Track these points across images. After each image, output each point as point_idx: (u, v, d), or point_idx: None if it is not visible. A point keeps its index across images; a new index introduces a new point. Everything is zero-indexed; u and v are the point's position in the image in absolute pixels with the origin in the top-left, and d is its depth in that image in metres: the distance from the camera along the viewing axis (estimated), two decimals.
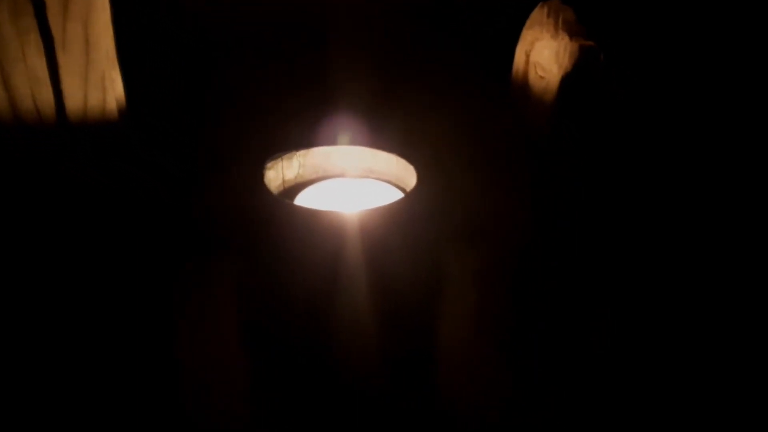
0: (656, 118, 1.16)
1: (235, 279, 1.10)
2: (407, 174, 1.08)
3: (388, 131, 1.14)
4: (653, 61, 1.14)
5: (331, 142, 1.14)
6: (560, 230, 1.14)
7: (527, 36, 1.21)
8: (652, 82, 1.13)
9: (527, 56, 1.22)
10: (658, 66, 1.14)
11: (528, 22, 1.23)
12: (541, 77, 1.19)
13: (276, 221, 1.01)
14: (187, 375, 1.07)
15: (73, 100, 1.11)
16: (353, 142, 1.14)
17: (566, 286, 1.06)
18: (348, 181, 1.14)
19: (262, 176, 1.03)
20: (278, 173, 1.10)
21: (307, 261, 1.00)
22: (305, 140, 1.14)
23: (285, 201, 1.04)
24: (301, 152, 1.12)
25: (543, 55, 1.17)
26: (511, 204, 1.12)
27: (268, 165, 1.07)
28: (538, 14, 1.20)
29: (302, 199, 1.09)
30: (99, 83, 1.09)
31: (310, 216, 1.01)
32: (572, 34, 1.13)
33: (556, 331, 1.00)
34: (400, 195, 1.08)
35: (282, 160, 1.10)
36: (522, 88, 1.24)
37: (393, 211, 1.01)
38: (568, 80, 1.14)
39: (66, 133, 1.12)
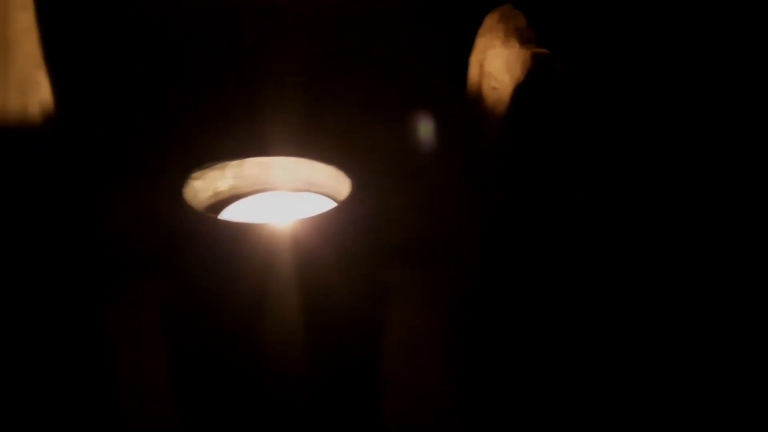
0: (643, 117, 1.10)
1: (159, 299, 1.04)
2: (345, 187, 1.02)
3: (329, 142, 1.08)
4: (629, 61, 1.08)
5: (273, 152, 1.08)
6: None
7: (480, 44, 1.15)
8: (632, 81, 1.07)
9: (481, 67, 1.16)
10: (636, 65, 1.08)
11: (480, 30, 1.16)
12: (494, 88, 1.12)
13: (198, 236, 0.94)
14: (114, 397, 1.01)
15: None
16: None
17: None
18: (285, 195, 1.08)
19: (182, 188, 0.97)
20: (209, 184, 1.04)
21: (235, 277, 0.93)
22: (245, 150, 1.08)
23: (205, 215, 0.98)
24: (235, 162, 1.06)
25: (495, 64, 1.11)
26: (457, 224, 1.06)
27: (195, 175, 1.01)
28: (490, 21, 1.14)
29: (232, 213, 1.03)
30: (20, 86, 1.04)
31: (234, 230, 0.95)
32: (523, 41, 1.07)
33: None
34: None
35: (213, 170, 1.04)
36: (477, 100, 1.18)
37: (323, 222, 0.95)
38: (520, 91, 1.08)
39: None
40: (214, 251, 0.93)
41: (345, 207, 0.97)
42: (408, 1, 1.35)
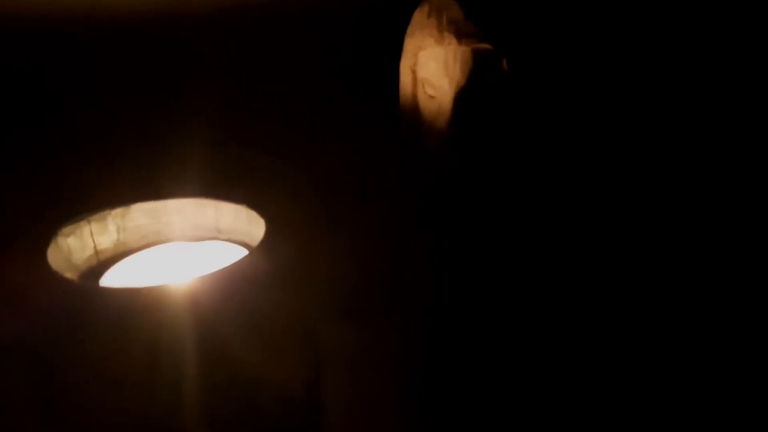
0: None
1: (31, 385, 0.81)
2: (259, 230, 0.82)
3: (236, 179, 0.88)
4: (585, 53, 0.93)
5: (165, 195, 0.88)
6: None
7: (409, 47, 0.97)
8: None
9: (413, 73, 0.98)
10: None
11: (409, 29, 0.98)
12: (431, 97, 0.94)
13: (70, 309, 0.73)
14: None
15: None
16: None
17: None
18: (186, 246, 0.87)
19: (45, 250, 0.76)
20: (85, 241, 0.83)
21: (122, 355, 0.72)
22: (127, 196, 0.87)
23: (72, 281, 0.76)
24: (118, 211, 0.85)
25: (430, 68, 0.93)
26: (401, 264, 0.87)
27: (64, 231, 0.80)
28: (419, 16, 0.95)
29: (114, 275, 0.82)
30: None
31: (117, 298, 0.74)
32: (461, 36, 0.89)
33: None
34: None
35: (89, 223, 0.83)
36: (413, 114, 1.00)
37: (235, 276, 0.74)
38: (462, 96, 0.90)
39: None
40: (96, 327, 0.72)
41: (259, 254, 0.77)
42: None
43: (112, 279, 0.81)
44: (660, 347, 0.90)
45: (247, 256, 0.76)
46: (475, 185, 0.94)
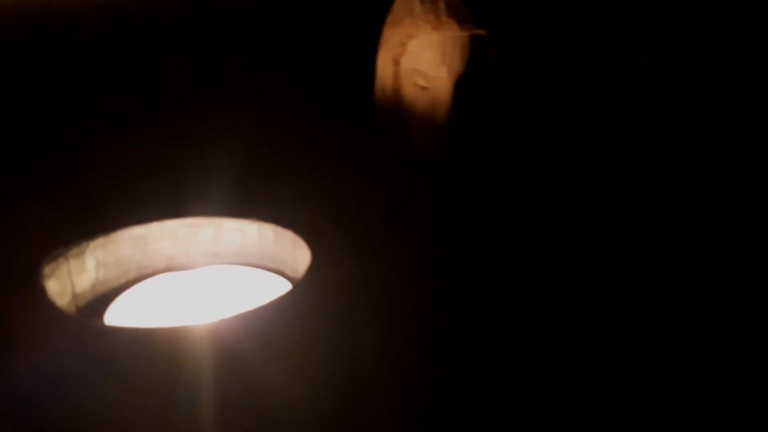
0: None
1: None
2: (287, 252, 0.70)
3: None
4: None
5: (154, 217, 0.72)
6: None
7: (393, 36, 0.89)
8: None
9: (396, 64, 0.90)
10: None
11: (390, 18, 0.90)
12: (424, 88, 0.87)
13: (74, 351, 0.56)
14: None
15: None
16: None
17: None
18: (189, 274, 0.72)
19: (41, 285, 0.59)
20: (65, 284, 0.65)
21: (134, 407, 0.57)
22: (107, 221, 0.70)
23: (76, 319, 0.61)
24: (98, 241, 0.68)
25: (424, 58, 0.85)
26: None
27: (46, 271, 0.63)
28: (403, 4, 0.88)
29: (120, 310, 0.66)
30: None
31: (128, 338, 0.60)
32: (461, 21, 0.84)
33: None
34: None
35: (67, 260, 0.66)
36: (394, 110, 0.91)
37: (277, 312, 0.62)
38: (462, 86, 0.84)
39: None
40: (106, 371, 0.57)
41: (306, 286, 0.64)
42: None
43: (117, 315, 0.65)
44: (659, 345, 0.89)
45: (293, 289, 0.64)
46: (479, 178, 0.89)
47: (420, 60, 0.89)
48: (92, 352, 0.56)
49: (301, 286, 0.63)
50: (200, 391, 0.61)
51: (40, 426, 0.60)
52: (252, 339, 0.60)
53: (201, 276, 0.72)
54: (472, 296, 0.89)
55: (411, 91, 0.91)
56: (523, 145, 0.93)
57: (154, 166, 0.85)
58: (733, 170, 1.02)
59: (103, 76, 1.03)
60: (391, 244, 0.84)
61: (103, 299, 0.70)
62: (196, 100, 0.98)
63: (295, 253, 0.69)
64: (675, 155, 1.03)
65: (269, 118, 1.00)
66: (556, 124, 0.95)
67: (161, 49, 1.05)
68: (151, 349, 0.59)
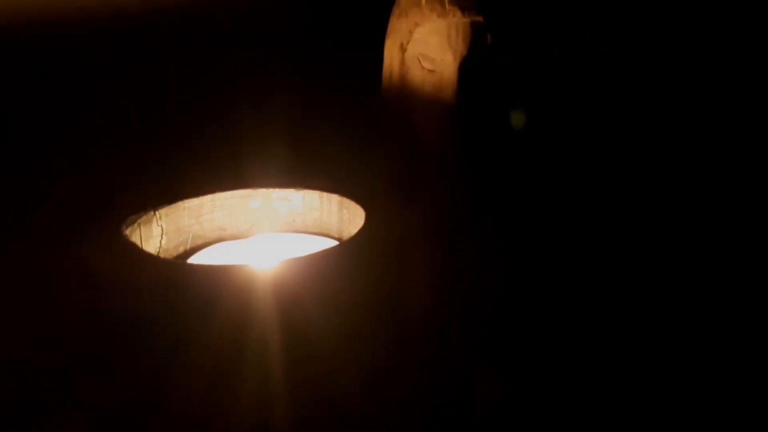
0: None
1: None
2: (334, 216, 0.77)
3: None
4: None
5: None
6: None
7: (400, 25, 0.98)
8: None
9: (403, 51, 0.98)
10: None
11: (397, 10, 0.99)
12: (431, 71, 0.95)
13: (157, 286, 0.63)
14: None
15: None
16: None
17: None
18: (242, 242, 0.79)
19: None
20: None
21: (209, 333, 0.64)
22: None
23: (159, 258, 0.67)
24: (163, 210, 0.74)
25: (430, 43, 0.94)
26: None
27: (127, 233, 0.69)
28: None
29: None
30: None
31: (206, 275, 0.66)
32: (464, 9, 0.92)
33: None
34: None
35: (139, 226, 0.71)
36: (400, 96, 0.99)
37: (331, 260, 0.69)
38: (466, 67, 0.93)
39: None
40: (181, 301, 0.63)
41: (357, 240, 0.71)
42: None
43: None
44: (659, 345, 0.92)
45: (340, 245, 0.71)
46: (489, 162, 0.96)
47: (427, 45, 0.97)
48: (176, 286, 0.62)
49: (353, 239, 0.70)
50: (265, 321, 0.67)
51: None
52: (310, 278, 0.67)
53: (253, 243, 0.78)
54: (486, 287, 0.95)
55: (418, 74, 0.99)
56: (523, 144, 1.00)
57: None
58: (733, 170, 1.07)
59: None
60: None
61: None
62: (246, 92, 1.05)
63: (341, 216, 0.76)
64: (674, 155, 1.08)
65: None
66: (555, 124, 1.02)
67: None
68: (226, 282, 0.65)
